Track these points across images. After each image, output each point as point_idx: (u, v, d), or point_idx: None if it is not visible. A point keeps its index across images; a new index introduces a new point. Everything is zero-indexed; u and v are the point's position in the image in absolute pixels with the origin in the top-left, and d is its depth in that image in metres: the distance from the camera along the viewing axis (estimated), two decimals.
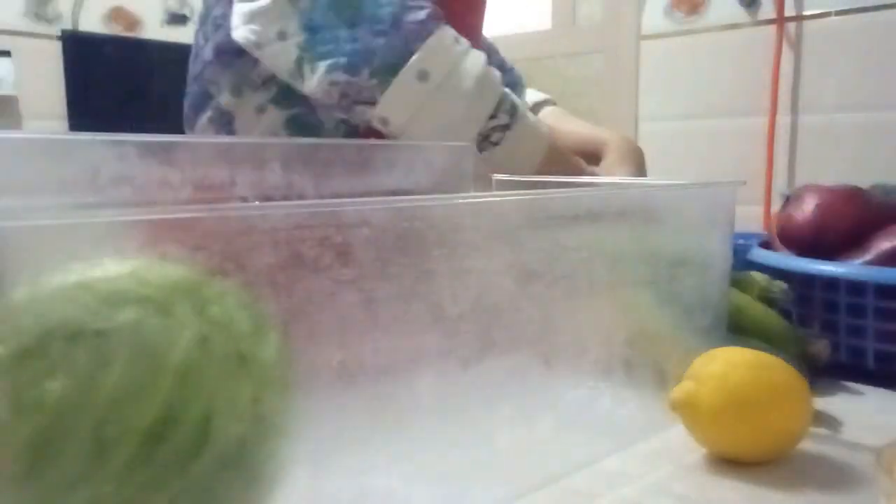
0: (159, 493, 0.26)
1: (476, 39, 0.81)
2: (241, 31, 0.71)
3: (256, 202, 0.29)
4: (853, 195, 0.69)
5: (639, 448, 0.46)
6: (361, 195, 0.56)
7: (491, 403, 0.38)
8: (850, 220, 0.67)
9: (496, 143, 0.72)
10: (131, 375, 0.25)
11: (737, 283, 0.61)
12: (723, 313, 0.53)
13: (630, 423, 0.47)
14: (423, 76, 0.66)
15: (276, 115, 0.77)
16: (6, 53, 2.05)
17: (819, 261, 0.62)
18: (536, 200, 0.39)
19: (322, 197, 0.53)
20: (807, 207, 0.68)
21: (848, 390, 0.57)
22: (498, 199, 0.40)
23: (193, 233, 0.26)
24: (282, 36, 0.68)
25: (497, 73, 0.73)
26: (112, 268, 0.26)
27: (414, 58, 0.66)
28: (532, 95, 1.06)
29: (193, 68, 0.82)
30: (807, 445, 0.46)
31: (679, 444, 0.47)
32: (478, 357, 0.37)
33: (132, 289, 0.27)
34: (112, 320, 0.26)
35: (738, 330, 0.56)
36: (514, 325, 0.39)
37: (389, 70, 0.66)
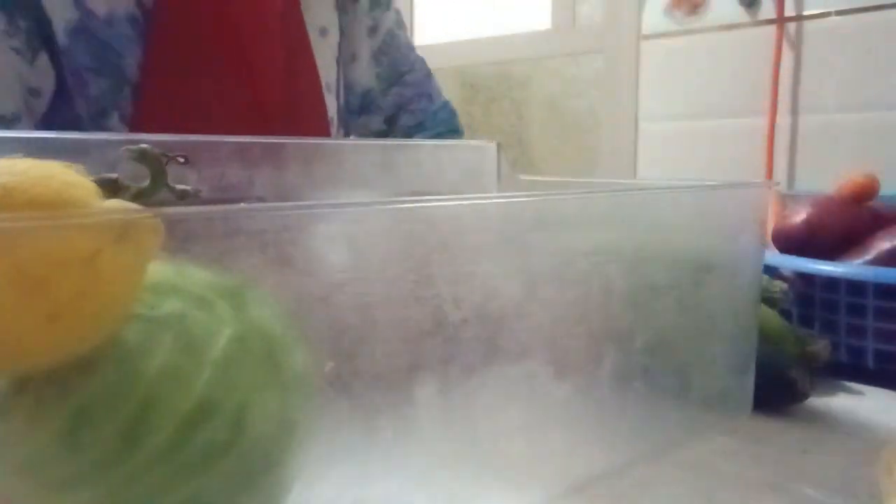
0: (188, 482, 0.26)
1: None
2: None
3: (242, 203, 0.28)
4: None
5: (657, 463, 0.44)
6: (382, 196, 0.55)
7: (498, 412, 0.37)
8: (844, 220, 0.67)
9: None
10: (174, 362, 0.26)
11: None
12: (752, 321, 0.50)
13: (649, 436, 0.45)
14: None
15: None
16: None
17: (819, 261, 0.62)
18: (545, 202, 0.38)
19: (340, 198, 0.52)
20: (801, 208, 0.69)
21: (848, 390, 0.57)
22: (503, 200, 0.39)
23: (175, 233, 0.26)
24: None
25: None
26: (155, 263, 0.27)
27: None
28: None
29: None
30: (807, 446, 0.46)
31: (700, 459, 0.45)
32: (483, 364, 0.35)
33: (177, 282, 0.28)
34: (159, 309, 0.27)
35: None
36: (521, 331, 0.37)
37: None
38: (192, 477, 0.26)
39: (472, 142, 0.64)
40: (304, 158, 0.52)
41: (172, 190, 0.29)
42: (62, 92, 0.74)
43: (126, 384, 0.26)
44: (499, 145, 0.68)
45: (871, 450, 0.39)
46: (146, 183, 0.28)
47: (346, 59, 0.96)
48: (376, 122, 0.99)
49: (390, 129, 1.00)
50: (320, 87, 0.88)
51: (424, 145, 0.62)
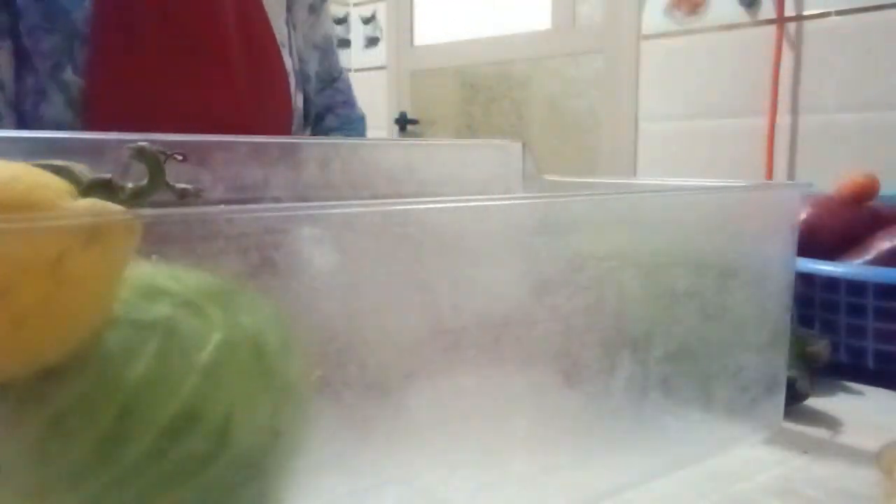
0: (170, 492, 0.25)
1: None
2: None
3: (221, 205, 0.27)
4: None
5: (675, 478, 0.42)
6: (402, 196, 0.53)
7: (502, 423, 0.35)
8: (844, 220, 0.67)
9: None
10: (158, 368, 0.25)
11: None
12: (783, 329, 0.47)
13: (668, 450, 0.43)
14: None
15: None
16: None
17: (819, 261, 0.62)
18: (552, 204, 0.36)
19: (361, 198, 0.50)
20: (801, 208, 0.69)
21: (848, 390, 0.57)
22: (506, 202, 0.37)
23: (153, 236, 0.25)
24: None
25: None
26: (149, 266, 0.27)
27: None
28: None
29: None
30: (807, 446, 0.46)
31: (722, 473, 0.43)
32: (485, 373, 0.34)
33: (169, 286, 0.27)
34: (147, 313, 0.26)
35: None
36: (527, 339, 0.35)
37: None
38: (176, 486, 0.25)
39: (497, 141, 0.62)
40: (322, 158, 0.51)
41: (172, 189, 0.28)
42: (21, 59, 0.75)
43: (105, 391, 0.25)
44: (524, 145, 0.66)
45: (871, 450, 0.39)
46: (144, 182, 0.28)
47: (291, 25, 0.97)
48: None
49: (314, 127, 1.02)
50: (276, 41, 0.89)
51: (448, 145, 0.60)
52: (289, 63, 0.91)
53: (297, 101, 0.92)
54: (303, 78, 0.96)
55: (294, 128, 0.92)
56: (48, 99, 0.74)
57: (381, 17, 2.87)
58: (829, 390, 0.56)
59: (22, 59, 0.75)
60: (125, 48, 0.76)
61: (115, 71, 0.75)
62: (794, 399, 0.51)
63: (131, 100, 0.75)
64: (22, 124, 0.75)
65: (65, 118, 0.74)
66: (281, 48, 0.89)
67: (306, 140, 0.52)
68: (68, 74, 0.74)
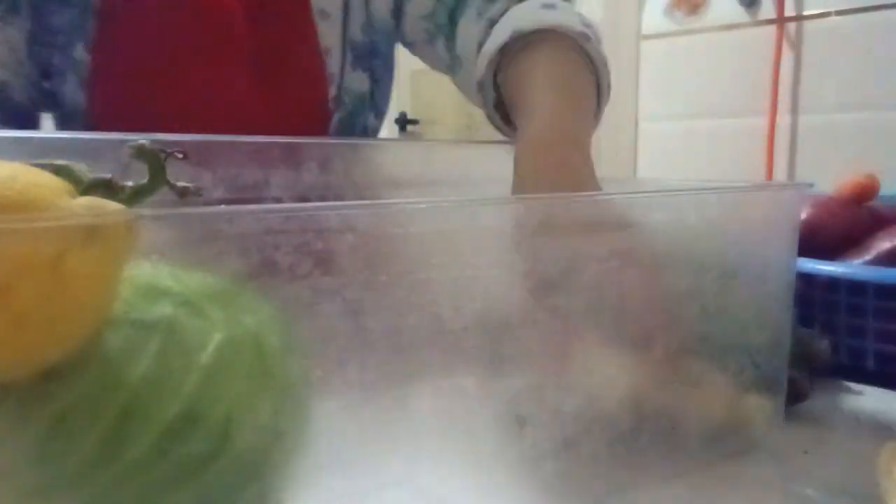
0: (171, 492, 0.25)
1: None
2: None
3: (221, 206, 0.27)
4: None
5: (675, 479, 0.42)
6: (403, 196, 0.53)
7: (502, 422, 0.35)
8: (844, 220, 0.67)
9: None
10: (160, 368, 0.25)
11: None
12: (785, 330, 0.47)
13: (668, 451, 0.42)
14: None
15: None
16: None
17: (819, 261, 0.62)
18: (553, 205, 0.36)
19: (363, 199, 0.50)
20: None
21: (848, 390, 0.57)
22: (505, 202, 0.37)
23: (151, 236, 0.25)
24: None
25: None
26: (149, 266, 0.27)
27: None
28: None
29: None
30: (807, 446, 0.46)
31: (722, 473, 0.43)
32: (486, 373, 0.34)
33: (170, 286, 0.27)
34: (148, 313, 0.26)
35: None
36: (528, 339, 0.35)
37: None
38: (173, 488, 0.25)
39: (497, 141, 0.62)
40: (322, 158, 0.51)
41: (173, 187, 0.28)
42: (39, 36, 0.71)
43: (107, 391, 0.25)
44: None
45: (871, 450, 0.39)
46: (144, 181, 0.28)
47: None
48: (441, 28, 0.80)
49: (451, 38, 0.80)
50: (307, 6, 0.78)
51: (448, 145, 0.60)
52: (329, 36, 0.80)
53: (348, 78, 0.81)
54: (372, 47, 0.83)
55: (341, 105, 0.80)
56: (66, 79, 0.71)
57: None
58: (829, 390, 0.56)
59: (40, 36, 0.71)
60: (138, 23, 0.72)
61: (126, 49, 0.71)
62: (794, 399, 0.51)
63: (133, 76, 0.71)
64: (46, 106, 0.72)
65: (78, 99, 0.71)
66: (320, 17, 0.79)
67: (306, 140, 0.51)
68: (79, 52, 0.70)
